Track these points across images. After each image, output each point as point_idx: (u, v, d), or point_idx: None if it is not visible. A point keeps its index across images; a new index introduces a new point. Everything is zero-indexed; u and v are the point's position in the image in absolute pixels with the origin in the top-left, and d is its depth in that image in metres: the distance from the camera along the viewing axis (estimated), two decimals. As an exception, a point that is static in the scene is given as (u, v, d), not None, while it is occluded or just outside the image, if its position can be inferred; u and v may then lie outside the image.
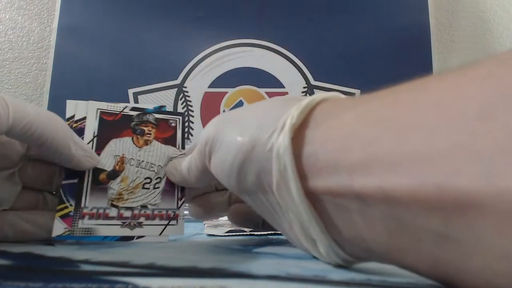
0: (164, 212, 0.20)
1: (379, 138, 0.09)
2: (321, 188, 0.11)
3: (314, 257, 0.17)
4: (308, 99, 0.13)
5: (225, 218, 0.45)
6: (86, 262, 0.14)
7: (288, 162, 0.12)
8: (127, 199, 0.20)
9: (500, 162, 0.07)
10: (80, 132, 0.20)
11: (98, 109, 0.21)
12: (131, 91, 0.76)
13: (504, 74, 0.08)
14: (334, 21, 0.78)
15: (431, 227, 0.08)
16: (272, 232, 0.27)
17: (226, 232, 0.26)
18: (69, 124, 0.20)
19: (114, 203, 0.19)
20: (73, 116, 0.20)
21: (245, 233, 0.27)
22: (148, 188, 0.20)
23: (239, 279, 0.12)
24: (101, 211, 0.19)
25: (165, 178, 0.21)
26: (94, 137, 0.20)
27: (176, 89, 0.76)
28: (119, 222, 0.19)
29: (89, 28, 0.77)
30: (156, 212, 0.20)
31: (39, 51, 0.80)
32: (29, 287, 0.10)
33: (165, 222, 0.20)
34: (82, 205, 0.19)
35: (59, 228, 0.18)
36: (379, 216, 0.10)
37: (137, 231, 0.19)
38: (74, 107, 0.20)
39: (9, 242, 0.18)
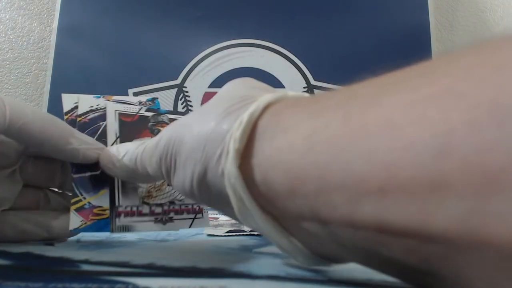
0: (190, 206, 0.21)
1: (333, 165, 0.09)
2: (282, 214, 0.11)
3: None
4: (251, 109, 0.11)
5: (225, 218, 0.45)
6: (86, 262, 0.14)
7: (241, 191, 0.11)
8: (155, 196, 0.20)
9: (471, 202, 0.06)
10: (83, 126, 0.20)
11: (116, 110, 0.21)
12: (131, 91, 0.76)
13: (467, 88, 0.07)
14: (334, 21, 0.78)
15: (411, 263, 0.08)
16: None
17: (226, 232, 0.26)
18: (68, 118, 0.20)
19: (145, 200, 0.20)
20: (72, 110, 0.20)
21: (245, 233, 0.27)
22: None
23: (239, 279, 0.12)
24: (134, 209, 0.20)
25: None
26: (117, 138, 0.20)
27: (176, 89, 0.76)
28: (152, 218, 0.20)
29: (89, 28, 0.77)
30: (183, 207, 0.21)
31: (39, 51, 0.80)
32: (29, 287, 0.10)
33: (192, 215, 0.21)
34: (117, 204, 0.19)
35: (75, 221, 0.18)
36: (353, 244, 0.09)
37: (169, 226, 0.20)
38: (72, 101, 0.21)
39: (9, 242, 0.18)
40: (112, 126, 0.20)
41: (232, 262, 0.15)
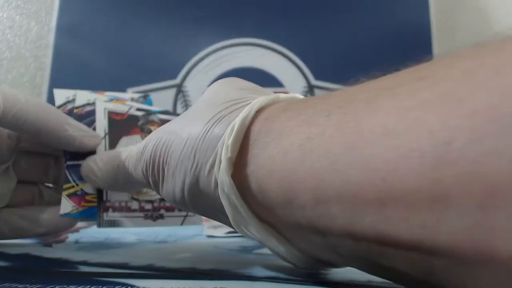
0: None
1: (329, 174, 0.08)
2: (279, 222, 0.11)
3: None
4: (242, 115, 0.11)
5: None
6: (85, 263, 0.14)
7: (236, 200, 0.11)
8: (145, 192, 0.20)
9: (473, 216, 0.06)
10: (80, 118, 0.20)
11: (105, 108, 0.21)
12: (130, 91, 0.76)
13: (466, 93, 0.06)
14: (334, 20, 0.78)
15: (416, 275, 0.08)
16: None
17: (226, 233, 0.26)
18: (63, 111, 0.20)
19: (135, 196, 0.20)
20: (64, 104, 0.20)
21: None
22: None
23: (239, 280, 0.12)
24: (123, 204, 0.20)
25: None
26: (105, 134, 0.21)
27: (175, 88, 0.76)
28: (141, 214, 0.20)
29: (88, 27, 0.77)
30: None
31: (37, 50, 0.79)
32: (27, 290, 0.10)
33: (184, 213, 0.21)
34: (104, 198, 0.19)
35: (66, 206, 0.18)
36: (353, 254, 0.09)
37: (159, 222, 0.20)
38: (64, 95, 0.21)
39: (5, 240, 0.18)
40: (101, 122, 0.20)
41: (232, 263, 0.15)
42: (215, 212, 0.12)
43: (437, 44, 0.72)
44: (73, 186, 0.19)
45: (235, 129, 0.11)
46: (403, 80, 0.08)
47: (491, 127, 0.06)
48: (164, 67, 0.78)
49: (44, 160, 0.19)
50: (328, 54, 0.74)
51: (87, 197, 0.19)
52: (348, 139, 0.08)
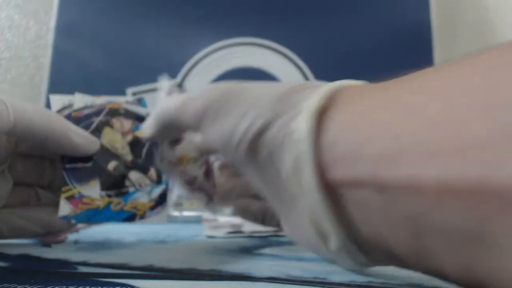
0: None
1: (408, 126, 0.09)
2: (340, 179, 0.10)
3: (319, 259, 0.17)
4: (329, 84, 0.12)
5: (225, 219, 0.45)
6: (84, 264, 0.14)
7: (307, 150, 0.11)
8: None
9: None
10: (78, 121, 0.20)
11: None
12: (130, 90, 0.76)
13: None
14: (334, 19, 0.78)
15: (466, 227, 0.08)
16: (273, 231, 0.27)
17: (226, 234, 0.26)
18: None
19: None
20: (62, 109, 0.21)
21: (245, 235, 0.27)
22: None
23: (239, 281, 0.12)
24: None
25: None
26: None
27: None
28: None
29: (87, 26, 0.77)
30: None
31: (36, 49, 0.79)
32: (26, 291, 0.10)
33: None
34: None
35: (65, 209, 0.18)
36: (405, 214, 0.09)
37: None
38: (61, 101, 0.21)
39: (5, 240, 0.18)
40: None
41: (232, 263, 0.15)
42: (263, 166, 0.12)
43: (438, 44, 0.72)
44: (71, 189, 0.19)
45: (324, 90, 0.11)
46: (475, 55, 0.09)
47: None
48: (164, 67, 0.78)
49: (39, 163, 0.19)
50: (328, 54, 0.74)
51: (85, 200, 0.19)
52: (426, 98, 0.09)
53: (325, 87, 0.12)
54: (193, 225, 0.38)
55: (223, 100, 0.13)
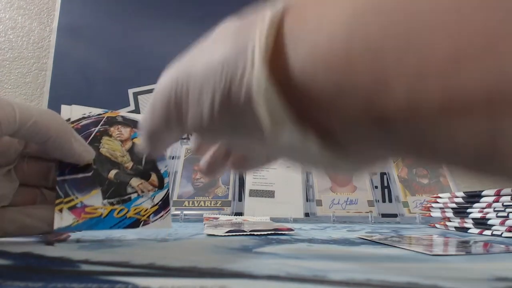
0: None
1: (389, 41, 0.07)
2: (324, 119, 0.09)
3: (318, 258, 0.17)
4: (268, 15, 0.10)
5: (225, 218, 0.45)
6: (86, 262, 0.14)
7: (272, 101, 0.09)
8: None
9: None
10: (78, 132, 0.21)
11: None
12: (131, 91, 0.76)
13: None
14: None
15: (468, 144, 0.07)
16: (273, 231, 0.27)
17: (226, 232, 0.26)
18: None
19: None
20: (68, 119, 0.21)
21: (245, 233, 0.27)
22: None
23: (239, 279, 0.12)
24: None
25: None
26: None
27: (176, 88, 0.76)
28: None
29: (89, 27, 0.77)
30: None
31: (39, 51, 0.79)
32: (29, 287, 0.10)
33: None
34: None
35: (68, 219, 0.18)
36: (401, 141, 0.08)
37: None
38: (69, 111, 0.22)
39: (10, 238, 0.18)
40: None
41: (232, 262, 0.15)
42: (247, 128, 0.11)
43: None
44: (73, 199, 0.19)
45: (266, 25, 0.09)
46: None
47: None
48: (164, 67, 0.78)
49: (45, 165, 0.20)
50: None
51: (87, 209, 0.19)
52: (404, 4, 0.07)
53: (266, 24, 0.10)
54: (193, 224, 0.38)
55: (178, 93, 0.12)
